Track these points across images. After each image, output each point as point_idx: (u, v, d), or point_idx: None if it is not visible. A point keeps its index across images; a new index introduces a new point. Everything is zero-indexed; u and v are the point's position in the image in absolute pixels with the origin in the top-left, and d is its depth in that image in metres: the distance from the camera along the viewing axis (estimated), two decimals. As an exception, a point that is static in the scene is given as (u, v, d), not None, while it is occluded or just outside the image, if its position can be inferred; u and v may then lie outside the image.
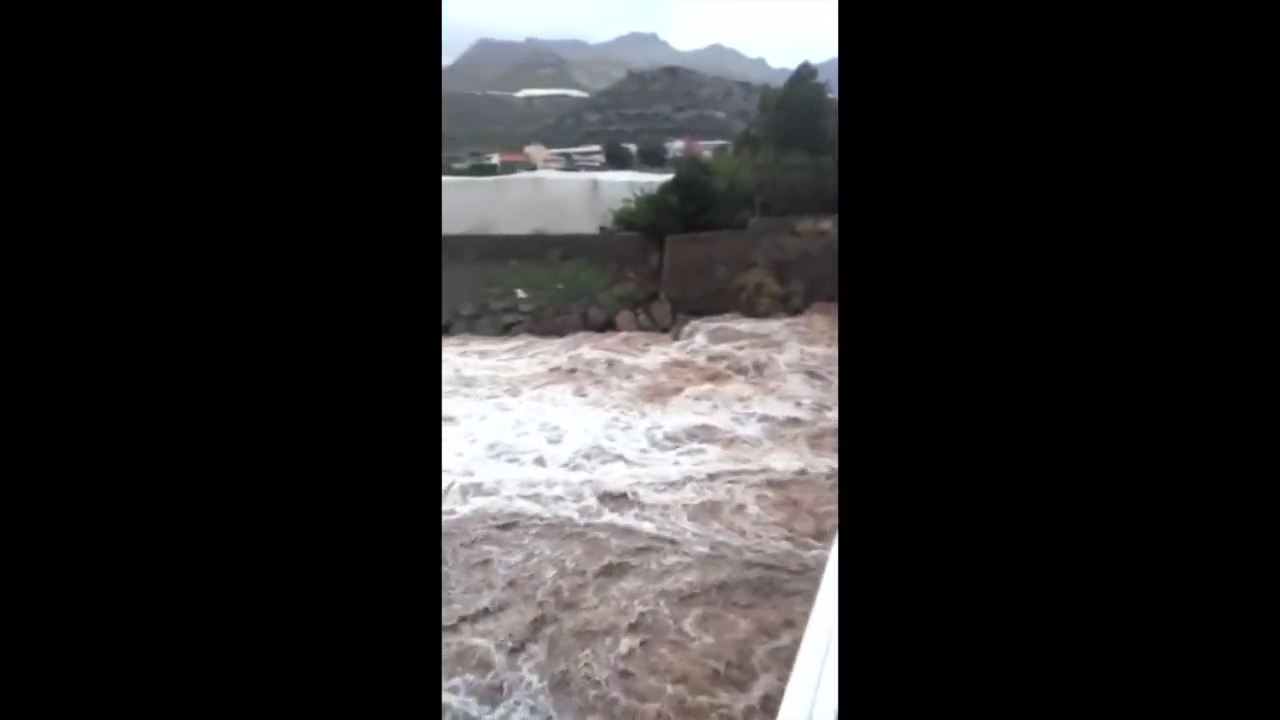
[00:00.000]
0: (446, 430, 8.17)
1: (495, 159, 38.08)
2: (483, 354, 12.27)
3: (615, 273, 14.73)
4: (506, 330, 13.65)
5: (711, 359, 10.93)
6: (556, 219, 16.25)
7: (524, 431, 7.93)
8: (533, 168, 32.29)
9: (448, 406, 9.02)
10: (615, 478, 6.61)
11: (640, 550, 5.34)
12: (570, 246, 15.39)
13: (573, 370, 10.65)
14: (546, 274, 14.86)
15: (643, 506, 6.02)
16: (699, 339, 12.11)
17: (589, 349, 11.75)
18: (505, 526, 5.78)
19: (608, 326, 13.44)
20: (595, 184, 17.29)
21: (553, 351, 11.98)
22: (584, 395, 9.33)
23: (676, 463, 6.94)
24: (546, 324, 13.55)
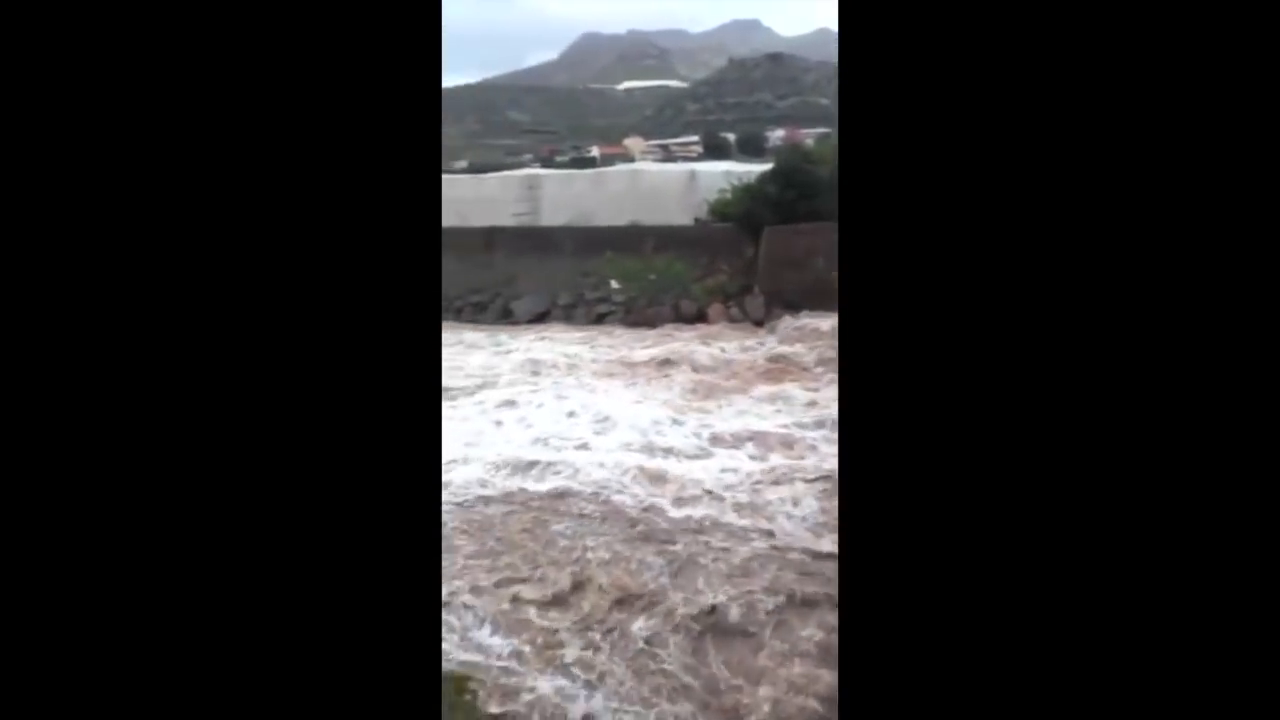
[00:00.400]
0: (504, 413, 8.43)
1: (595, 152, 38.80)
2: (554, 341, 12.52)
3: (708, 265, 14.60)
4: (600, 320, 13.90)
5: (792, 356, 10.51)
6: (652, 210, 16.30)
7: (577, 420, 8.05)
8: (631, 160, 32.58)
9: (509, 393, 9.30)
10: (657, 471, 6.53)
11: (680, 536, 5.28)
12: (664, 238, 15.41)
13: (633, 364, 10.59)
14: (640, 265, 14.96)
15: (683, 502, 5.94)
16: (781, 334, 11.72)
17: (645, 346, 11.60)
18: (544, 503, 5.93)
19: (699, 319, 13.36)
20: (693, 175, 17.13)
21: (611, 344, 11.99)
22: (634, 387, 9.29)
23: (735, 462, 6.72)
24: (638, 315, 13.66)
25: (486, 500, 6.03)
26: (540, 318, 14.40)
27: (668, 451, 6.98)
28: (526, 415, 8.34)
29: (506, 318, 14.59)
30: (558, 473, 6.53)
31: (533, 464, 6.76)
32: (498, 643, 4.08)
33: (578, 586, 4.71)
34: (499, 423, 8.09)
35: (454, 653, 3.96)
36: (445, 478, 6.59)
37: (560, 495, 6.10)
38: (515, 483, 6.39)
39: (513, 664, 3.94)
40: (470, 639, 4.12)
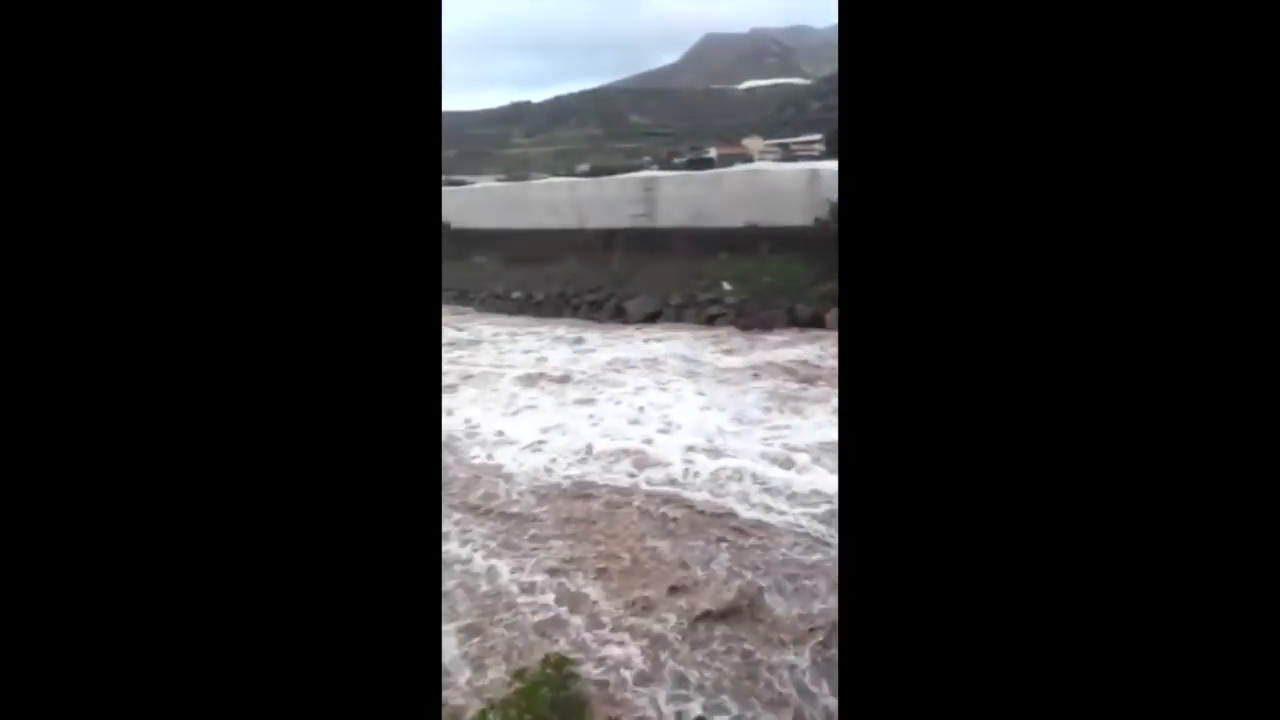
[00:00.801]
0: (580, 409, 8.82)
1: (712, 153, 38.58)
2: (656, 340, 12.67)
3: (827, 267, 14.05)
4: (710, 321, 13.82)
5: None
6: (770, 211, 15.94)
7: (646, 421, 8.25)
8: (750, 160, 32.07)
9: (583, 391, 9.70)
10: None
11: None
12: (782, 239, 15.03)
13: (721, 368, 10.45)
14: (755, 267, 14.70)
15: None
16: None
17: (732, 351, 11.38)
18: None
19: (815, 323, 12.90)
20: (814, 174, 16.56)
21: (694, 347, 11.88)
22: (707, 394, 9.21)
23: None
24: (750, 318, 13.43)
25: (556, 487, 6.43)
26: (652, 318, 14.57)
27: (734, 456, 6.98)
28: (600, 411, 8.72)
29: (619, 316, 14.90)
30: (626, 468, 6.82)
31: (600, 455, 7.12)
32: (565, 613, 4.55)
33: (635, 565, 4.94)
34: (573, 416, 8.58)
35: (535, 616, 4.41)
36: (521, 458, 7.09)
37: (626, 490, 6.32)
38: (580, 471, 6.77)
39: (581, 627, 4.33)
40: (542, 604, 4.61)
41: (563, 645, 4.13)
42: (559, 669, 3.34)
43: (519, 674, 3.35)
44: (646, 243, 17.01)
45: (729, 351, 11.52)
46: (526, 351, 12.46)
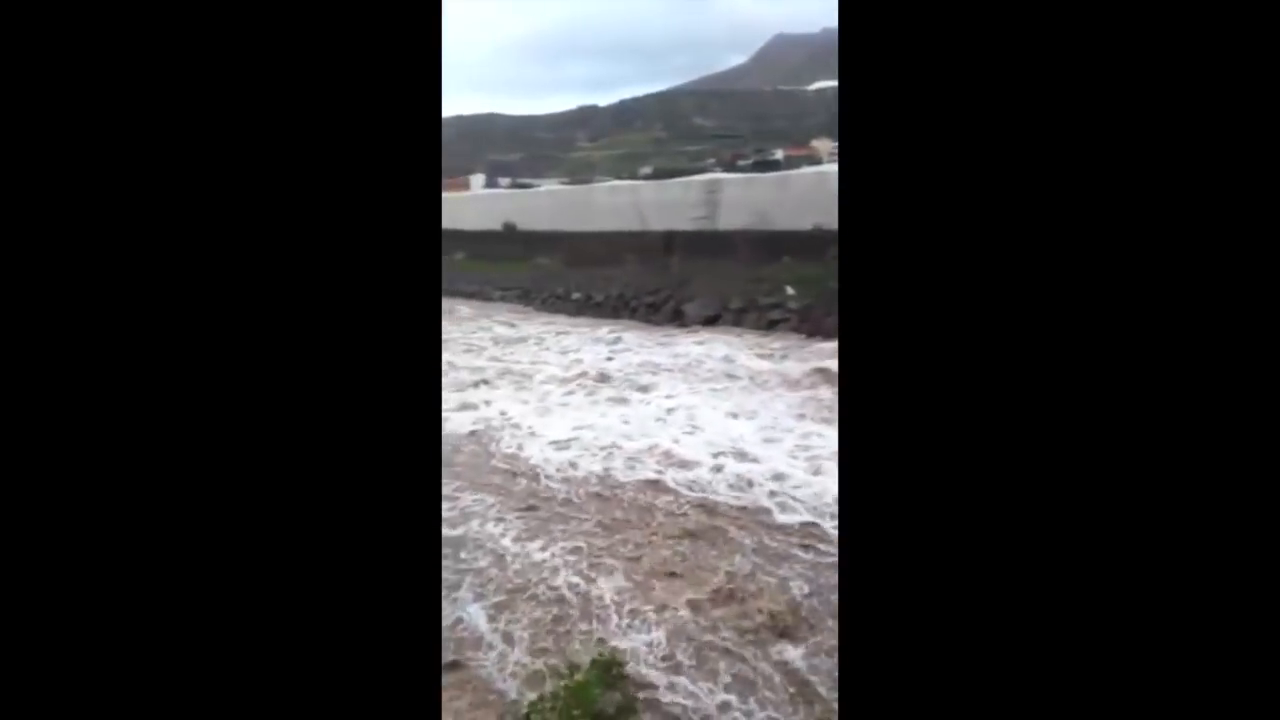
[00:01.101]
0: (611, 408, 8.88)
1: (779, 154, 38.01)
2: (704, 344, 12.53)
3: (895, 272, 13.52)
4: (771, 327, 13.55)
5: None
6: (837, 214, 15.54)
7: (673, 423, 8.24)
8: (817, 162, 31.38)
9: (619, 390, 9.75)
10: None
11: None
12: (847, 243, 14.57)
13: (756, 372, 10.22)
14: (820, 271, 14.32)
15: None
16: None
17: (768, 357, 11.08)
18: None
19: (880, 330, 12.42)
20: (883, 176, 16.01)
21: (734, 352, 11.64)
22: (736, 398, 9.03)
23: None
24: (814, 323, 13.08)
25: (586, 481, 6.57)
26: (710, 321, 14.42)
27: (763, 461, 6.89)
28: (634, 412, 8.78)
29: (677, 319, 14.83)
30: (649, 466, 6.91)
31: (629, 454, 7.20)
32: (592, 593, 4.73)
33: (664, 558, 5.02)
34: (604, 415, 8.72)
35: (566, 594, 4.61)
36: (555, 452, 7.24)
37: (654, 487, 6.39)
38: (609, 466, 6.86)
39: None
40: (570, 583, 4.80)
41: (584, 628, 4.25)
42: (608, 670, 3.34)
43: (571, 669, 3.39)
44: (708, 246, 16.89)
45: (770, 356, 11.31)
46: (566, 351, 12.63)
